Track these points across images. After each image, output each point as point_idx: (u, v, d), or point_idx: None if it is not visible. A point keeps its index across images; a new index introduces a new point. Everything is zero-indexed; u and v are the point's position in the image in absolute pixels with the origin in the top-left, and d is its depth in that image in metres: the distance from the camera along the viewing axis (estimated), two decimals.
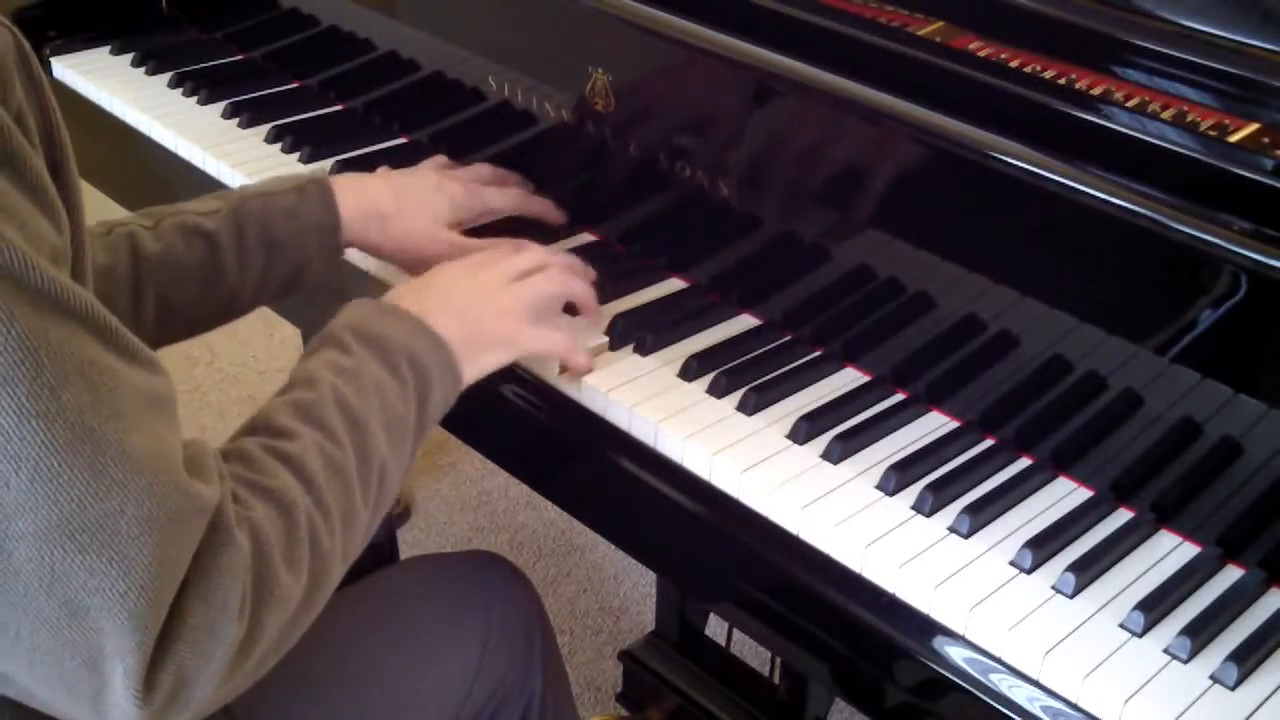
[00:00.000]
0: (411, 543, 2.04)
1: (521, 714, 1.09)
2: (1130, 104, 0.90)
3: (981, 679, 0.81)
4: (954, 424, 0.98)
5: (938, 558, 0.86)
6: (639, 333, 1.04)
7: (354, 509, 0.80)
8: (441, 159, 1.22)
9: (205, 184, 1.31)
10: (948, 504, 0.90)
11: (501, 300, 0.95)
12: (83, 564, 0.62)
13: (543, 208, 1.19)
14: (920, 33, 0.98)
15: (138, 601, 0.64)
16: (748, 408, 0.97)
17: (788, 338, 1.06)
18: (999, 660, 0.81)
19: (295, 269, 1.04)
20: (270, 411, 0.81)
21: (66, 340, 0.62)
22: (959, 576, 0.85)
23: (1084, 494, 0.92)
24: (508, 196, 1.17)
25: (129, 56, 1.50)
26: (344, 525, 0.79)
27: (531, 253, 1.02)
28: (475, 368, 0.93)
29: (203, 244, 1.00)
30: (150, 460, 0.64)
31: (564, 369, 1.00)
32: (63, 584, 0.62)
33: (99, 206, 1.60)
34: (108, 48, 1.52)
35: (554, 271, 1.01)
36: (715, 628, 1.61)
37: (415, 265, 1.08)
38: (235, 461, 0.76)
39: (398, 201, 1.08)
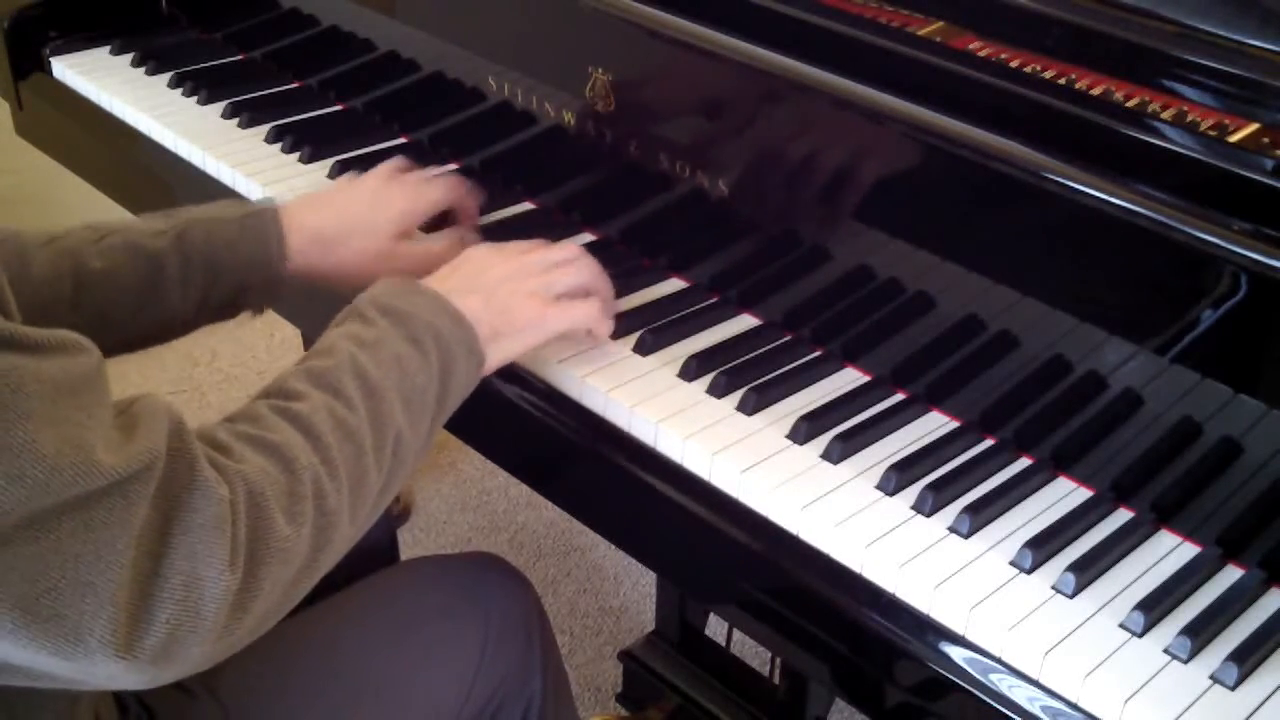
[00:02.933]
0: (411, 543, 2.05)
1: (522, 715, 1.09)
2: (1130, 104, 0.90)
3: (981, 679, 0.81)
4: (954, 424, 0.98)
5: (938, 558, 0.86)
6: (639, 333, 1.04)
7: (365, 472, 0.80)
8: (397, 162, 1.17)
9: (205, 184, 1.31)
10: (948, 504, 0.90)
11: (531, 285, 0.96)
12: (22, 564, 0.63)
13: (473, 200, 1.17)
14: (920, 33, 0.98)
15: (92, 581, 0.64)
16: (748, 408, 0.97)
17: (788, 338, 1.06)
18: (999, 660, 0.81)
19: (235, 296, 1.03)
20: (284, 377, 0.82)
21: None
22: (959, 576, 0.85)
23: (1084, 494, 0.92)
24: (444, 183, 1.14)
25: (129, 56, 1.50)
26: (353, 487, 0.79)
27: (564, 248, 1.02)
28: (501, 352, 0.93)
29: (146, 265, 0.98)
30: (66, 453, 0.63)
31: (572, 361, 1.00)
32: (7, 588, 0.63)
33: (100, 207, 1.60)
34: (108, 48, 1.52)
35: (584, 264, 1.01)
36: (715, 628, 1.61)
37: (363, 286, 1.08)
38: (242, 420, 0.77)
39: (341, 224, 1.06)
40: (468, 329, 0.90)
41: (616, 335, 1.04)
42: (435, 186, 1.12)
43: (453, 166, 1.30)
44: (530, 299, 0.95)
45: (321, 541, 0.76)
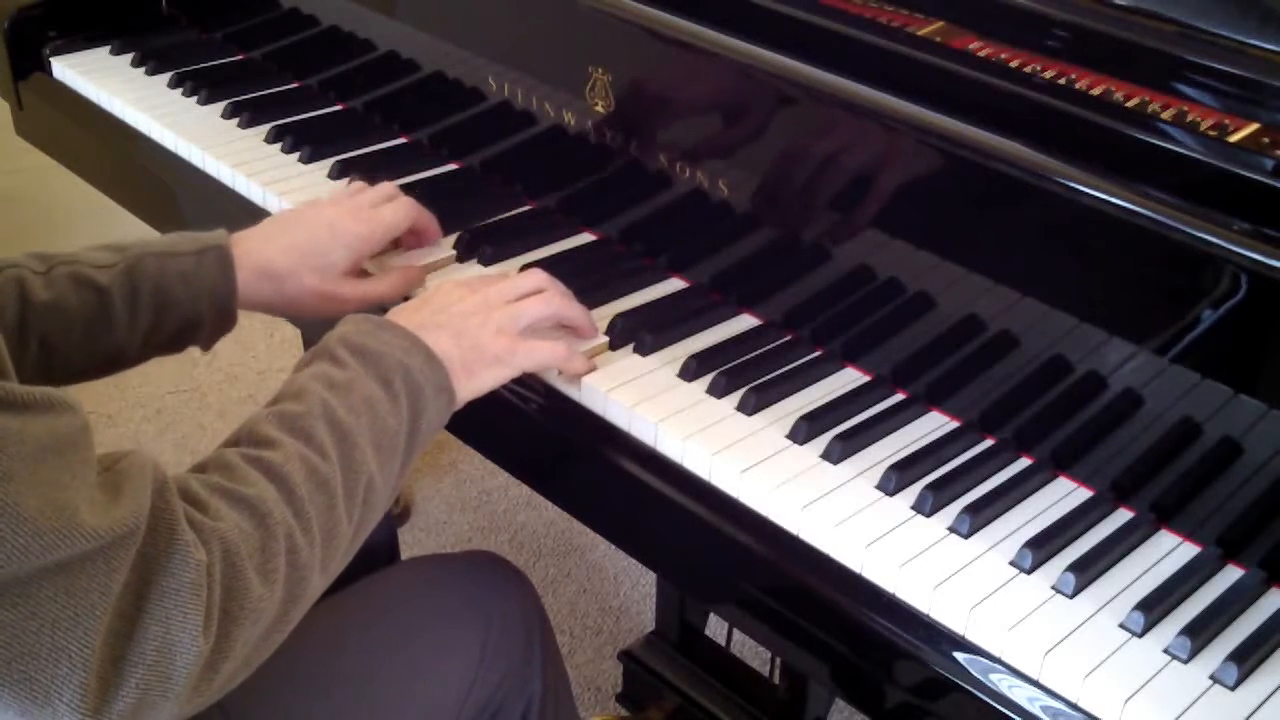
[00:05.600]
0: (411, 543, 2.05)
1: (522, 715, 1.09)
2: (1130, 104, 0.90)
3: (981, 679, 0.81)
4: (954, 424, 0.98)
5: (938, 558, 0.86)
6: (639, 333, 1.04)
7: (337, 522, 0.79)
8: (355, 186, 1.15)
9: (205, 184, 1.31)
10: (948, 504, 0.90)
11: (498, 319, 0.95)
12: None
13: (430, 220, 1.15)
14: (920, 33, 0.98)
15: (67, 645, 0.63)
16: (748, 408, 0.97)
17: (788, 338, 1.06)
18: (999, 660, 0.81)
19: (185, 330, 1.01)
20: (255, 422, 0.81)
21: None
22: (959, 576, 0.85)
23: (1084, 494, 0.92)
24: (401, 207, 1.11)
25: (129, 56, 1.50)
26: (325, 539, 0.78)
27: (530, 277, 1.01)
28: (471, 386, 0.93)
29: (94, 297, 0.96)
30: (48, 515, 0.62)
31: (561, 373, 1.00)
32: None
33: (100, 207, 1.60)
34: (108, 48, 1.52)
35: (551, 295, 0.99)
36: (715, 628, 1.61)
37: (313, 318, 1.06)
38: (214, 470, 0.76)
39: (291, 258, 1.04)
40: (438, 367, 0.89)
41: (616, 335, 1.04)
42: (391, 211, 1.10)
43: (453, 166, 1.30)
44: (499, 334, 0.94)
45: (293, 595, 0.75)
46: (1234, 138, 0.85)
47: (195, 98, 1.41)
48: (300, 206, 1.11)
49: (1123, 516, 0.91)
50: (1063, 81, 0.92)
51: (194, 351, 1.06)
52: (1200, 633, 0.80)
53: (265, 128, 1.34)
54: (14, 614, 0.62)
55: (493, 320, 0.95)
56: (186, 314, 1.00)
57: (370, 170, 1.25)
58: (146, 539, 0.67)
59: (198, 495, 0.73)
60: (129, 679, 0.66)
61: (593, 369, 1.00)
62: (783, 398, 0.99)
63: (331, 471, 0.79)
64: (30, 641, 0.63)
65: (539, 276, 1.01)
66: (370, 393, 0.84)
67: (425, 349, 0.89)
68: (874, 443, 0.95)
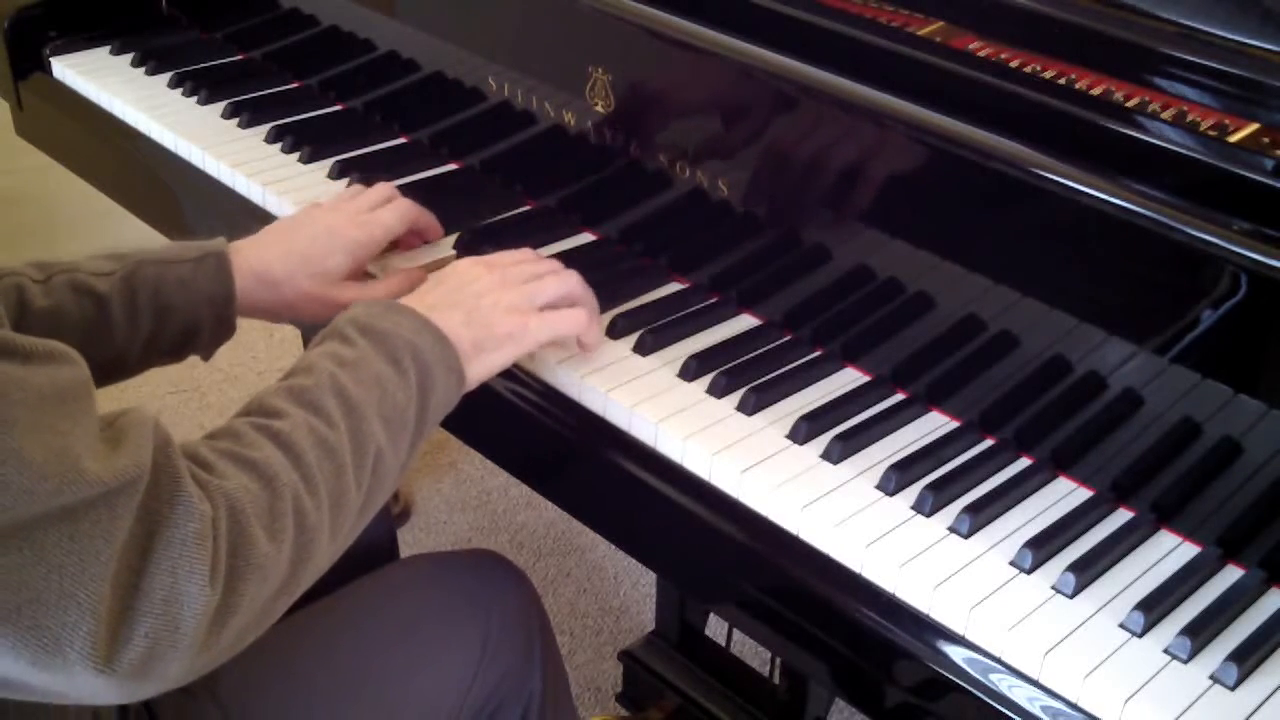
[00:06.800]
0: (411, 543, 2.05)
1: (521, 714, 1.09)
2: (1130, 104, 0.90)
3: (981, 679, 0.81)
4: (954, 424, 0.98)
5: (938, 558, 0.86)
6: (639, 333, 1.04)
7: (345, 490, 0.80)
8: (353, 190, 1.16)
9: (205, 184, 1.31)
10: (948, 504, 0.90)
11: (512, 298, 0.95)
12: (5, 573, 0.63)
13: (430, 219, 1.15)
14: (920, 33, 0.98)
15: (74, 592, 0.64)
16: (748, 408, 0.97)
17: (788, 338, 1.06)
18: (999, 660, 0.81)
19: (184, 337, 1.01)
20: (265, 395, 0.82)
21: None
22: (959, 576, 0.85)
23: (1084, 494, 0.92)
24: (399, 209, 1.12)
25: (129, 56, 1.50)
26: (333, 504, 0.79)
27: (547, 261, 1.01)
28: (483, 367, 0.93)
29: (92, 305, 0.97)
30: (52, 460, 0.63)
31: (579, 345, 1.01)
32: None
33: (100, 207, 1.60)
34: (108, 48, 1.52)
35: (568, 274, 1.00)
36: (715, 628, 1.61)
37: (314, 323, 1.05)
38: (222, 438, 0.77)
39: (288, 263, 1.04)
40: (448, 346, 0.89)
41: (617, 335, 1.04)
42: (389, 213, 1.10)
43: (453, 166, 1.30)
44: (511, 312, 0.94)
45: (301, 558, 0.76)
46: (1234, 138, 0.85)
47: (195, 98, 1.41)
48: (298, 213, 1.11)
49: (1123, 516, 0.91)
50: (1063, 81, 0.92)
51: None
52: (1200, 633, 0.80)
53: (265, 128, 1.34)
54: (20, 558, 0.63)
55: (507, 298, 0.94)
56: (185, 320, 1.00)
57: (370, 170, 1.26)
58: (149, 491, 0.68)
59: (205, 458, 0.74)
60: (138, 628, 0.67)
61: (602, 343, 1.01)
62: (783, 398, 0.99)
63: (339, 440, 0.80)
64: (39, 587, 0.63)
65: (555, 262, 1.01)
66: (379, 370, 0.85)
67: (435, 329, 0.89)
68: (874, 443, 0.96)
